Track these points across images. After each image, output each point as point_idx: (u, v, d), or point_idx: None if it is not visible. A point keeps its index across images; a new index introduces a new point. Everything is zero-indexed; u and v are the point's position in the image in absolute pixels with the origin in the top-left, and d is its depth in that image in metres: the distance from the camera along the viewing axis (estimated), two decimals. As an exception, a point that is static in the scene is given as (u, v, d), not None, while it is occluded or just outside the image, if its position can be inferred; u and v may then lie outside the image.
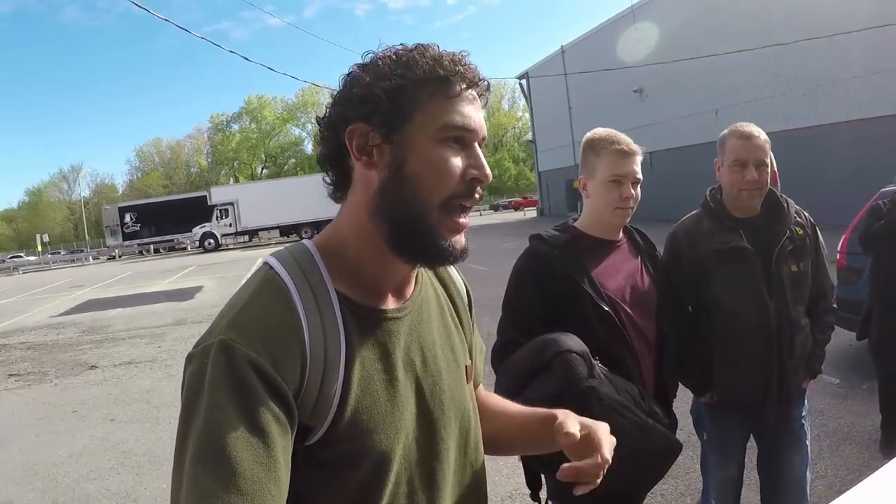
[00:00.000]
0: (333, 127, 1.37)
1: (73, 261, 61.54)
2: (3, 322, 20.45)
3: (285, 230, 54.72)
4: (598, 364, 2.51)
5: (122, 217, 59.99)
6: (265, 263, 1.35)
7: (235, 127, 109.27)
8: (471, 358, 1.67)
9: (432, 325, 1.51)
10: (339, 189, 1.42)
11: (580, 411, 2.03)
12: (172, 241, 59.95)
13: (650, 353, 2.90)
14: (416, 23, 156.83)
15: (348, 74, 1.38)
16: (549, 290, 2.79)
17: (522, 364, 2.53)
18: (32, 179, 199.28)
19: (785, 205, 3.40)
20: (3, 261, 64.43)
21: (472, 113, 1.35)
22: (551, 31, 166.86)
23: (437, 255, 1.34)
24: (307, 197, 49.03)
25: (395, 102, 1.31)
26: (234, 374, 1.15)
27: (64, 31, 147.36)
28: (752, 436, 3.63)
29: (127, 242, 59.87)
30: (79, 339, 15.54)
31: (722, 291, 3.33)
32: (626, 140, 2.87)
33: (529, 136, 57.03)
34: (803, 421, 3.50)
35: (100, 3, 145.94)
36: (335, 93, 1.40)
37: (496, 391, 2.47)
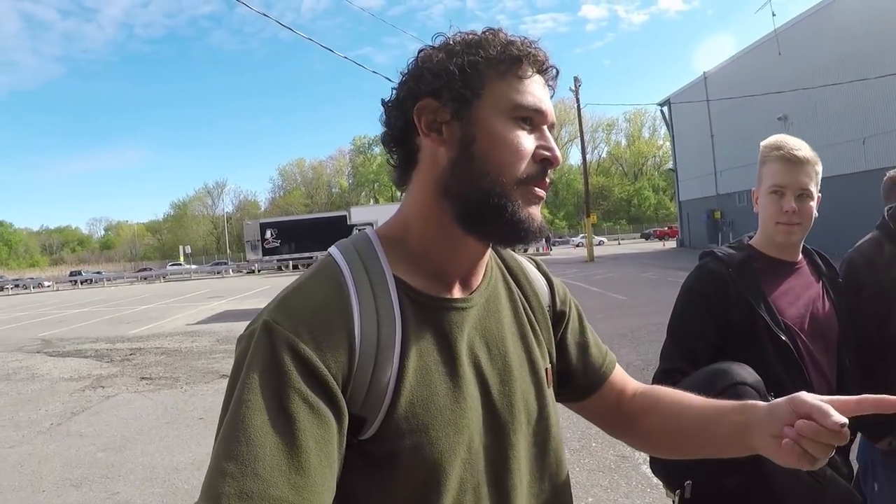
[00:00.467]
0: (401, 105, 1.33)
1: (215, 272, 63.77)
2: (141, 327, 21.24)
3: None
4: (773, 399, 2.24)
5: (262, 232, 61.95)
6: (327, 252, 1.33)
7: (377, 150, 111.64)
8: (551, 361, 1.54)
9: (502, 320, 1.43)
10: (404, 170, 1.37)
11: (751, 456, 1.88)
12: (311, 258, 61.18)
13: (829, 391, 2.49)
14: (556, 49, 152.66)
15: (419, 52, 1.35)
16: (720, 313, 2.50)
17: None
18: (178, 194, 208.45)
19: None
20: (150, 269, 67.28)
21: (543, 95, 1.32)
22: (692, 57, 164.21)
23: (514, 232, 1.28)
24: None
25: (466, 79, 1.28)
26: (271, 357, 1.12)
27: (211, 53, 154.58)
28: None
29: (266, 258, 61.79)
30: (212, 347, 15.88)
31: None
32: (793, 145, 2.54)
33: (670, 165, 56.12)
34: None
35: (246, 28, 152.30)
36: (403, 71, 1.36)
37: None
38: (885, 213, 3.13)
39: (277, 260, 61.64)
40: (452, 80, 1.27)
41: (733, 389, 2.12)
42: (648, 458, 2.44)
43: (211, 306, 27.19)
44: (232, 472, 1.01)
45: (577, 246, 71.69)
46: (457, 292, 1.36)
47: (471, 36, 1.33)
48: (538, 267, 1.65)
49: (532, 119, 1.29)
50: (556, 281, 1.65)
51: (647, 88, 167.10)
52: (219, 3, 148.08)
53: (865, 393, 2.78)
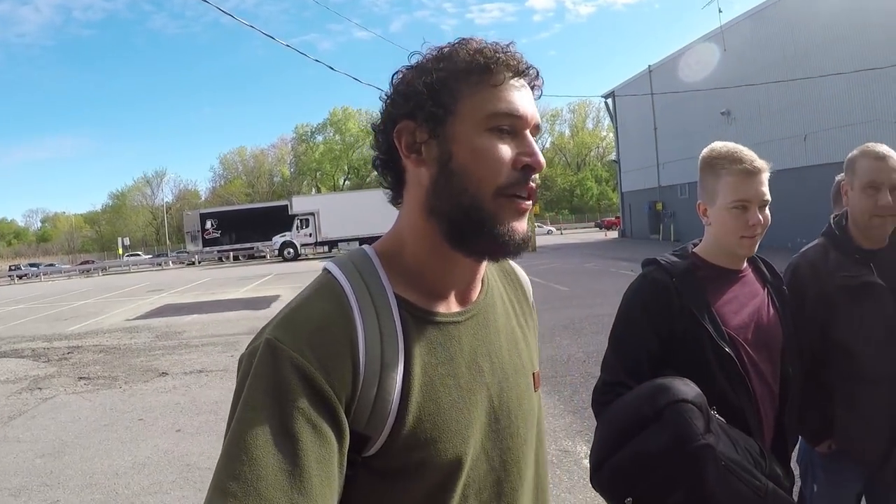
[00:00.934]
0: (384, 129, 1.35)
1: (153, 265, 62.93)
2: (79, 324, 20.75)
3: (364, 242, 54.71)
4: (715, 415, 2.19)
5: (203, 223, 61.07)
6: (324, 268, 1.34)
7: (319, 138, 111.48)
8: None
9: (499, 329, 1.45)
10: (397, 192, 1.40)
11: (692, 472, 2.05)
12: (252, 248, 60.80)
13: (772, 402, 2.54)
14: (503, 38, 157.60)
15: (394, 74, 1.36)
16: (663, 325, 2.46)
17: (630, 412, 2.23)
18: (117, 184, 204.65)
19: None
20: (92, 261, 65.88)
21: (520, 100, 1.29)
22: (638, 51, 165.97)
23: (496, 246, 1.28)
24: (388, 210, 49.12)
25: (436, 96, 1.28)
26: (275, 375, 1.12)
27: (152, 38, 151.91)
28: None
29: (207, 249, 60.99)
30: (152, 344, 15.58)
31: (848, 332, 3.00)
32: (749, 156, 2.49)
33: (613, 156, 56.76)
34: None
35: (188, 13, 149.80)
36: (383, 95, 1.38)
37: (594, 440, 2.36)
38: (832, 221, 3.18)
39: (218, 251, 60.94)
40: (422, 99, 1.28)
41: (675, 407, 2.10)
42: (590, 472, 2.35)
43: (150, 300, 26.71)
44: (234, 492, 1.02)
45: (548, 233, 72.39)
46: (455, 306, 1.37)
47: (442, 48, 1.33)
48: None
49: (511, 126, 1.27)
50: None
51: (592, 80, 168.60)
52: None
53: (808, 399, 2.88)
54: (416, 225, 1.33)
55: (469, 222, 1.26)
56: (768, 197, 2.50)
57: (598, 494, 2.31)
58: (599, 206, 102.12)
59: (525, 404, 1.44)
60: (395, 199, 1.41)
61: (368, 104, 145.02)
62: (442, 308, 1.35)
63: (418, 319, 1.29)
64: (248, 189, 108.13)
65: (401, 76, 1.34)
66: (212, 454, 7.34)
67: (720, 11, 37.28)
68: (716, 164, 2.54)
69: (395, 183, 1.39)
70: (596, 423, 2.43)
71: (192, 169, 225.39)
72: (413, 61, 1.35)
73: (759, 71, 33.05)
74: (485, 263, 1.41)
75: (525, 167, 1.26)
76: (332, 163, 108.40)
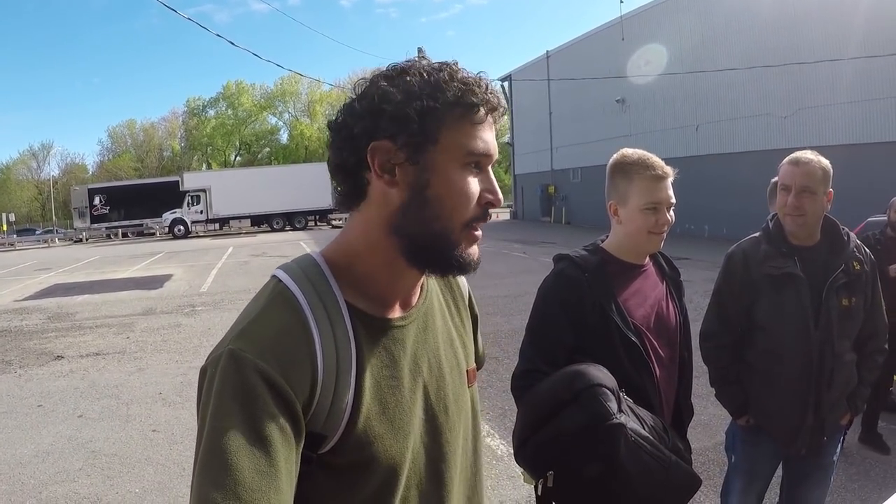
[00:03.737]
0: (355, 141, 1.36)
1: (40, 241, 60.60)
2: (-35, 304, 19.78)
3: (257, 220, 54.54)
4: (624, 397, 2.47)
5: (91, 199, 58.94)
6: (273, 276, 1.39)
7: (211, 112, 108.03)
8: (476, 361, 1.72)
9: (437, 331, 1.54)
10: (351, 200, 1.42)
11: (606, 448, 2.30)
12: (141, 225, 59.05)
13: (671, 382, 2.87)
14: (402, 17, 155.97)
15: (374, 86, 1.36)
16: (577, 318, 2.72)
17: (548, 396, 2.50)
18: (1, 156, 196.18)
19: (845, 238, 3.39)
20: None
21: (491, 139, 1.38)
22: (537, 35, 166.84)
23: (456, 268, 1.39)
24: (281, 187, 48.97)
25: (424, 125, 1.32)
26: (241, 383, 1.18)
27: (42, 1, 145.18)
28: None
29: (95, 225, 58.96)
30: (44, 325, 15.12)
31: (768, 316, 3.39)
32: (659, 164, 2.76)
33: (507, 139, 57.09)
34: (835, 458, 3.55)
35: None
36: (354, 101, 1.38)
37: (516, 421, 2.64)
38: (769, 219, 3.51)
39: (106, 228, 58.99)
40: (410, 125, 1.31)
41: (590, 390, 2.37)
42: (513, 449, 2.64)
43: (39, 280, 25.77)
44: (216, 500, 1.08)
45: None
46: (398, 311, 1.45)
47: (430, 73, 1.35)
48: None
49: (480, 162, 1.37)
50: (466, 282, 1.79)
51: (489, 63, 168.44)
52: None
53: (732, 375, 3.49)
54: (374, 239, 1.39)
55: (434, 246, 1.35)
56: (674, 200, 2.77)
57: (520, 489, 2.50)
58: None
59: (461, 399, 1.55)
60: (346, 206, 1.44)
61: (264, 78, 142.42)
62: (388, 314, 1.42)
63: (367, 326, 1.37)
64: (137, 164, 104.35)
65: (385, 93, 1.33)
66: (116, 439, 7.33)
67: (621, 1, 37.86)
68: (629, 169, 2.78)
69: (350, 192, 1.41)
70: (515, 405, 2.73)
71: (80, 142, 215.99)
72: (393, 73, 1.37)
73: (654, 62, 33.66)
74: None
75: (487, 203, 1.38)
76: (223, 138, 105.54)
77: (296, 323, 1.28)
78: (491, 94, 1.38)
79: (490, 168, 1.41)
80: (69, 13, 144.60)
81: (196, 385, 1.30)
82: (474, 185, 1.36)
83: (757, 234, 3.55)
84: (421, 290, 1.54)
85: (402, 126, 1.32)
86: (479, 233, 1.40)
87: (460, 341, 1.64)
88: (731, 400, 3.59)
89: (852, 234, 3.45)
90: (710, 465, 5.79)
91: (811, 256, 3.35)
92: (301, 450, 1.23)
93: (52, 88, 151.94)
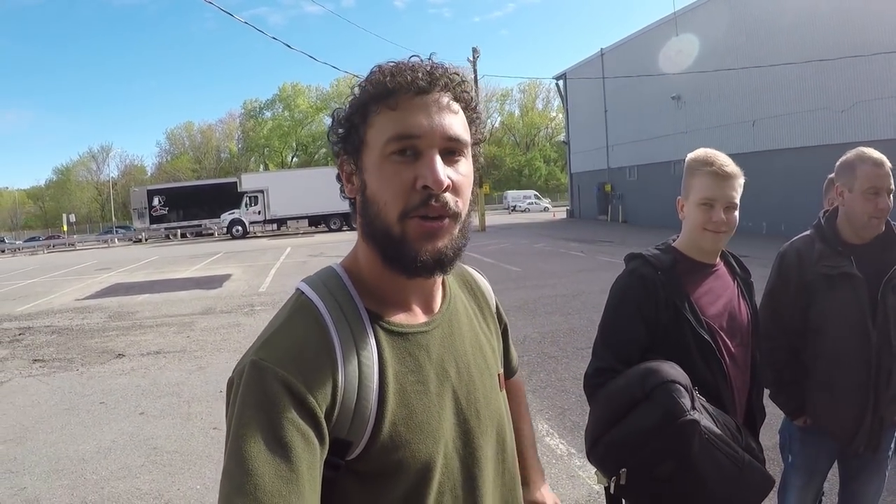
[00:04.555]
0: (335, 155, 1.48)
1: (101, 242, 61.75)
2: (28, 304, 20.25)
3: (314, 220, 54.87)
4: (697, 395, 2.44)
5: (150, 200, 60.02)
6: (296, 290, 1.44)
7: (268, 114, 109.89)
8: (503, 364, 1.74)
9: (464, 335, 1.54)
10: (355, 212, 1.48)
11: (680, 445, 2.31)
12: (200, 226, 59.97)
13: (744, 382, 2.84)
14: (455, 16, 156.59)
15: (336, 110, 1.47)
16: (650, 316, 2.71)
17: (622, 394, 2.50)
18: (61, 158, 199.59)
19: None
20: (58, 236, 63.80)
21: (420, 119, 1.33)
22: (591, 33, 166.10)
23: (411, 266, 1.34)
24: (337, 187, 49.04)
25: (351, 129, 1.39)
26: (263, 391, 1.20)
27: (99, 8, 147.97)
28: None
29: (154, 226, 60.01)
30: (105, 324, 15.34)
31: (826, 316, 3.34)
32: (722, 161, 2.73)
33: (563, 137, 56.93)
34: (890, 452, 3.50)
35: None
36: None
37: (588, 419, 2.66)
38: (821, 216, 3.47)
39: (165, 228, 60.04)
40: (347, 135, 1.41)
41: (663, 387, 2.36)
42: (586, 449, 2.66)
43: (99, 279, 26.25)
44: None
45: (524, 210, 72.71)
46: (421, 317, 1.47)
47: (368, 78, 1.39)
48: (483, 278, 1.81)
49: (411, 147, 1.32)
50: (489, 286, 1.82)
51: (543, 60, 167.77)
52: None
53: (788, 376, 3.42)
54: (364, 246, 1.43)
55: (386, 245, 1.35)
56: (736, 201, 2.73)
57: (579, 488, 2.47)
58: (548, 187, 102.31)
59: (492, 404, 1.54)
60: (356, 220, 1.48)
61: (319, 80, 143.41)
62: (409, 320, 1.44)
63: (389, 332, 1.39)
64: (195, 165, 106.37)
65: (338, 108, 1.45)
66: (177, 437, 7.38)
67: (675, -2, 37.60)
68: (693, 166, 2.79)
69: (352, 206, 1.48)
70: (573, 404, 2.67)
71: (139, 143, 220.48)
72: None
73: (709, 57, 33.43)
74: (437, 277, 1.48)
75: (424, 187, 1.30)
76: (280, 139, 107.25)
77: (317, 332, 1.31)
78: (413, 74, 1.34)
79: (434, 151, 1.33)
80: (125, 17, 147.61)
81: None
82: (403, 173, 1.32)
83: (809, 233, 3.49)
84: (444, 295, 1.55)
85: (343, 137, 1.42)
86: (430, 223, 1.33)
87: (489, 346, 1.64)
88: (788, 401, 3.57)
89: None
90: (770, 463, 5.60)
91: (866, 254, 3.29)
92: (325, 456, 1.25)
93: (111, 91, 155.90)
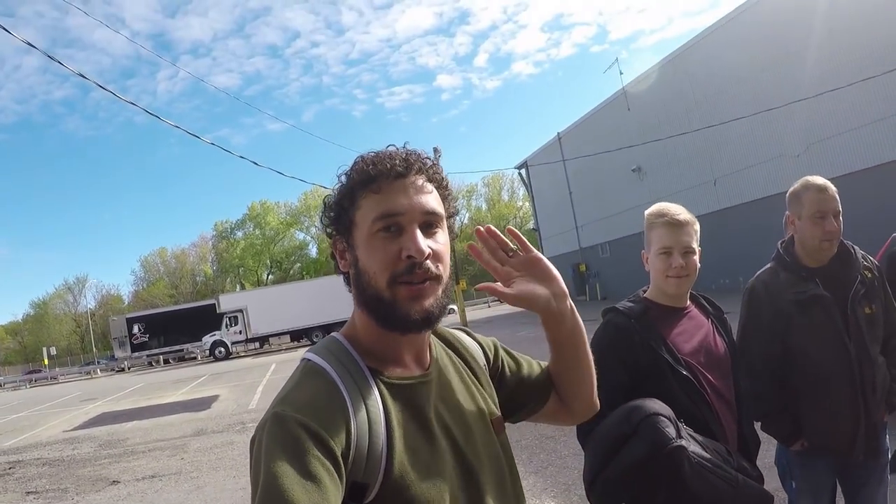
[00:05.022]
0: (328, 236, 1.69)
1: (83, 373, 61.28)
2: (16, 438, 20.06)
3: (296, 335, 54.46)
4: (683, 425, 2.56)
5: (130, 328, 59.65)
6: (303, 359, 1.62)
7: (239, 234, 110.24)
8: (501, 411, 1.84)
9: (454, 386, 1.71)
10: (347, 284, 1.67)
11: (671, 472, 2.40)
12: (182, 350, 59.41)
13: (731, 412, 2.97)
14: (413, 120, 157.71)
15: (326, 197, 1.69)
16: (629, 359, 2.88)
17: (611, 431, 2.62)
18: (37, 292, 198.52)
19: (853, 251, 3.55)
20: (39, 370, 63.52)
21: (400, 199, 1.54)
22: (546, 119, 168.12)
23: (403, 324, 1.53)
24: (315, 300, 49.07)
25: (341, 212, 1.61)
26: (286, 434, 1.35)
27: (66, 140, 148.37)
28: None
29: (136, 354, 59.46)
30: (96, 453, 15.16)
31: (804, 339, 3.48)
32: (674, 212, 2.97)
33: (532, 225, 57.39)
34: (888, 454, 3.64)
35: (101, 114, 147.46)
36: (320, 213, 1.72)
37: (584, 463, 2.80)
38: (779, 246, 3.63)
39: (147, 355, 59.51)
40: (333, 217, 1.64)
41: (648, 420, 2.52)
42: (585, 490, 2.76)
43: (85, 410, 25.92)
44: None
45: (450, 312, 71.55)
46: (416, 370, 1.64)
47: (352, 167, 1.62)
48: (469, 335, 1.97)
49: (395, 224, 1.53)
50: (483, 341, 1.98)
51: (503, 152, 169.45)
52: (71, 88, 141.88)
53: (778, 404, 3.52)
54: (359, 313, 1.62)
55: (379, 308, 1.54)
56: (692, 245, 2.96)
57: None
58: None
59: (489, 446, 1.69)
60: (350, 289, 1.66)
61: (287, 196, 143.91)
62: (406, 373, 1.61)
63: (389, 385, 1.56)
64: (171, 290, 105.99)
65: (328, 196, 1.67)
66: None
67: (621, 73, 38.49)
68: (650, 220, 3.04)
69: (346, 281, 1.67)
70: (578, 475, 2.78)
71: (114, 273, 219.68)
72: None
73: (662, 124, 34.23)
74: (427, 334, 1.67)
75: (408, 257, 1.50)
76: (254, 258, 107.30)
77: (327, 387, 1.48)
78: (391, 162, 1.56)
79: (414, 226, 1.54)
80: (91, 148, 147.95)
81: None
82: (389, 247, 1.52)
83: (770, 265, 3.68)
84: (430, 351, 1.71)
85: (334, 220, 1.63)
86: (416, 287, 1.52)
87: (480, 395, 1.78)
88: (780, 429, 3.64)
89: (856, 247, 3.59)
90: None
91: (828, 274, 3.47)
92: (343, 498, 1.36)
93: (82, 222, 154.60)
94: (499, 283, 1.70)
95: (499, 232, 1.75)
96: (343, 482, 1.37)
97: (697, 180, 33.02)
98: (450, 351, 1.83)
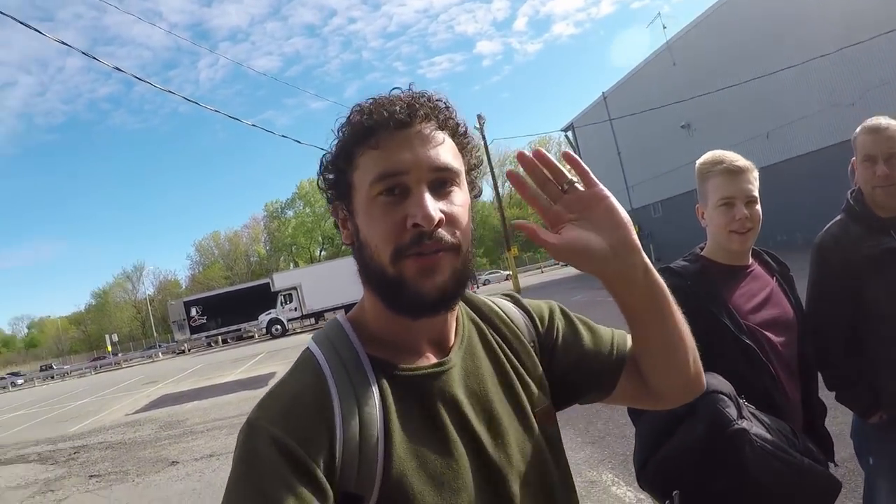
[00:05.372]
0: (330, 205, 1.43)
1: (145, 357, 62.65)
2: (80, 423, 20.56)
3: (349, 308, 54.56)
4: (745, 403, 2.29)
5: (188, 311, 60.88)
6: (306, 346, 1.40)
7: (290, 213, 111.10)
8: (552, 398, 1.53)
9: (483, 374, 1.42)
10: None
11: (731, 456, 2.15)
12: (239, 330, 60.43)
13: (796, 384, 2.68)
14: (455, 88, 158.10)
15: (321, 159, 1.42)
16: None
17: (663, 412, 2.24)
18: (98, 282, 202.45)
19: None
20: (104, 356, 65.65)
21: (403, 154, 1.26)
22: (591, 79, 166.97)
23: (412, 305, 1.28)
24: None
25: (338, 174, 1.35)
26: (252, 450, 1.18)
27: (114, 135, 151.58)
28: None
29: (195, 336, 60.75)
30: (157, 435, 15.43)
31: (880, 298, 3.06)
32: (731, 157, 2.67)
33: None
34: None
35: (146, 107, 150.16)
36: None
37: (635, 443, 2.53)
38: (849, 196, 3.26)
39: (206, 336, 60.75)
40: (331, 181, 1.37)
41: (706, 398, 2.19)
42: (636, 473, 2.51)
43: (147, 393, 26.47)
44: None
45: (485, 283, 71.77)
46: (432, 358, 1.38)
47: (346, 121, 1.35)
48: (516, 302, 1.63)
49: (398, 184, 1.26)
50: (533, 307, 1.62)
51: (549, 115, 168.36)
52: (115, 84, 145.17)
53: (854, 374, 2.99)
54: (367, 293, 1.39)
55: (384, 288, 1.29)
56: (755, 194, 2.66)
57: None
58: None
59: (526, 448, 1.40)
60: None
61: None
62: (419, 361, 1.36)
63: (393, 376, 1.31)
64: (226, 272, 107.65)
65: (324, 158, 1.39)
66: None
67: (664, 28, 37.86)
68: (703, 170, 2.74)
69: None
70: (633, 432, 2.56)
71: (170, 259, 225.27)
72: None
73: (710, 77, 33.42)
74: (454, 314, 1.42)
75: (414, 225, 1.23)
76: (305, 235, 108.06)
77: (313, 384, 1.27)
78: (392, 106, 1.28)
79: (422, 185, 1.27)
80: (139, 140, 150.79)
81: None
82: (391, 212, 1.26)
83: (840, 217, 3.29)
84: (457, 332, 1.45)
85: (332, 183, 1.38)
86: (426, 259, 1.25)
87: (521, 381, 1.47)
88: (856, 400, 3.23)
89: None
90: (850, 475, 5.04)
91: None
92: None
93: (138, 213, 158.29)
94: (540, 228, 1.32)
95: (552, 158, 1.36)
96: (326, 498, 1.17)
97: (749, 134, 31.95)
98: (485, 326, 1.52)
